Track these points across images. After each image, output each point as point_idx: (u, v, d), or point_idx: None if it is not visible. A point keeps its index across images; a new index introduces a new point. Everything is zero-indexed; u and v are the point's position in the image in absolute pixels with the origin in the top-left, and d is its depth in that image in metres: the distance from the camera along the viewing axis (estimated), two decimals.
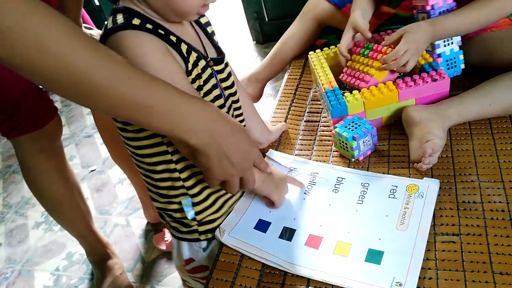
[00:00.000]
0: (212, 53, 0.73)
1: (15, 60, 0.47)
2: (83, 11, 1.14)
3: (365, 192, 0.76)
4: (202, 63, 0.67)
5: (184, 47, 0.64)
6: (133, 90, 0.53)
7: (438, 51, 0.89)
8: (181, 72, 0.63)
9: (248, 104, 0.87)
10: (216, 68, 0.72)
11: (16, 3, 0.45)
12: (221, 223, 0.76)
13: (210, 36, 0.75)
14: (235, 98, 0.77)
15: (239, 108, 0.79)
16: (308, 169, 0.83)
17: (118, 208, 1.79)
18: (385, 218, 0.70)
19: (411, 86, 0.84)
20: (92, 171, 2.06)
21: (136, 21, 0.60)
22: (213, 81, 0.70)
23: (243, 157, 0.63)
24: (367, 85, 0.87)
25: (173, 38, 0.63)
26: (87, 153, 2.21)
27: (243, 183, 0.67)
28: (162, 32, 0.62)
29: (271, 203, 0.76)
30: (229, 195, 0.77)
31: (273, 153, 0.89)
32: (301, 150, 0.91)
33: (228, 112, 0.75)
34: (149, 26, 0.60)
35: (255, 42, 2.77)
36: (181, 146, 0.62)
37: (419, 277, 0.61)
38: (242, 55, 2.66)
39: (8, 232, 1.83)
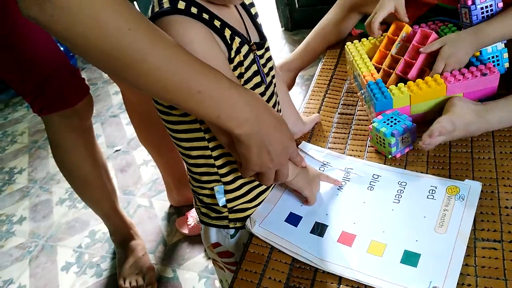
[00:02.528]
0: (254, 37, 0.71)
1: (71, 37, 0.46)
2: None
3: (402, 191, 0.73)
4: (245, 48, 0.66)
5: (227, 33, 0.62)
6: (185, 74, 0.52)
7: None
8: (225, 60, 0.62)
9: (283, 91, 0.86)
10: (258, 53, 0.70)
11: None
12: (251, 213, 0.76)
13: (253, 18, 0.73)
14: (273, 86, 0.76)
15: (276, 96, 0.77)
16: (342, 164, 0.81)
17: (142, 189, 1.81)
18: (423, 219, 0.68)
19: (459, 80, 0.81)
20: (117, 151, 2.07)
21: (181, 5, 0.58)
22: (254, 67, 0.69)
23: (282, 151, 0.63)
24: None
25: (217, 23, 0.61)
26: (112, 132, 2.22)
27: (277, 176, 0.66)
28: (207, 17, 0.60)
29: (304, 200, 0.75)
30: (263, 187, 0.76)
31: (306, 146, 0.87)
32: (334, 143, 0.88)
33: (268, 100, 0.73)
34: (194, 10, 0.59)
35: (283, 28, 2.73)
36: (221, 134, 0.61)
37: (457, 283, 0.59)
38: (270, 42, 2.61)
39: (32, 207, 1.86)
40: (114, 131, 2.23)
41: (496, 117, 0.79)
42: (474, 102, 0.81)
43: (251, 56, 0.68)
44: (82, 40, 0.47)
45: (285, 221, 0.73)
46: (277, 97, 0.77)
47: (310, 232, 0.70)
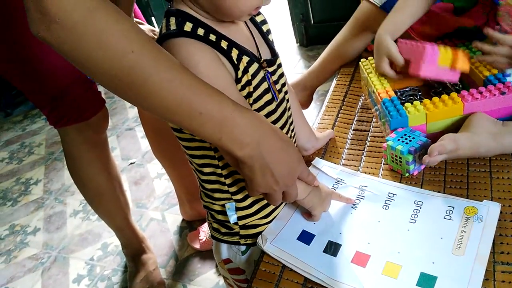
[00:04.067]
0: (266, 54, 0.71)
1: (77, 57, 0.48)
2: (135, 6, 1.15)
3: (418, 211, 0.71)
4: (254, 67, 0.66)
5: (235, 53, 0.63)
6: (187, 96, 0.53)
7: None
8: (231, 81, 0.62)
9: (296, 108, 0.85)
10: (270, 69, 0.70)
11: None
12: (263, 230, 0.74)
13: (265, 35, 0.73)
14: (286, 102, 0.75)
15: (289, 111, 0.77)
16: (356, 182, 0.80)
17: (155, 202, 1.81)
18: (440, 240, 0.66)
19: (477, 98, 0.79)
20: (131, 163, 2.09)
21: (187, 27, 0.59)
22: (265, 85, 0.68)
23: (288, 173, 0.63)
24: (432, 52, 0.81)
25: (224, 44, 0.62)
26: (127, 145, 2.24)
27: (285, 197, 0.66)
28: (214, 38, 0.61)
29: (308, 215, 0.74)
30: (272, 206, 0.75)
31: (319, 162, 0.86)
32: (348, 160, 0.87)
33: (280, 117, 0.72)
34: (200, 31, 0.60)
35: (298, 44, 2.74)
36: (226, 154, 0.61)
37: None
38: (285, 57, 2.63)
39: (46, 218, 1.88)
40: (129, 144, 2.25)
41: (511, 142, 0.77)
42: (494, 121, 0.78)
43: (261, 74, 0.67)
44: (87, 60, 0.48)
45: (297, 239, 0.71)
46: (289, 112, 0.77)
47: (323, 251, 0.68)
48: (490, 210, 0.68)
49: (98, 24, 0.46)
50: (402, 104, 0.83)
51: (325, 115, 1.02)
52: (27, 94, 1.12)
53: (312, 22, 2.60)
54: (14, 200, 2.04)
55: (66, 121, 1.13)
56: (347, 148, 0.90)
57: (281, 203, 0.75)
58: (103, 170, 1.25)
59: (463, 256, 0.63)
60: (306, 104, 1.29)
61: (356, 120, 0.98)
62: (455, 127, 0.81)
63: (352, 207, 0.75)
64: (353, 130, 0.95)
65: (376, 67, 0.93)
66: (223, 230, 0.76)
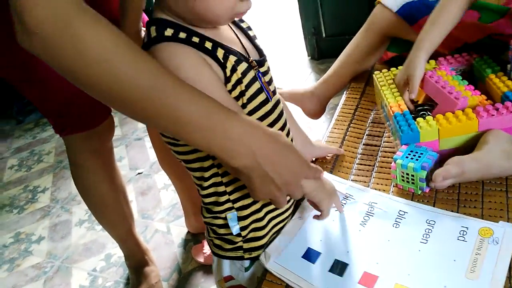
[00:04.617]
0: (253, 55, 0.69)
1: (58, 65, 0.48)
2: (143, 14, 1.14)
3: (430, 231, 0.68)
4: (242, 66, 0.63)
5: (220, 53, 0.60)
6: (172, 104, 0.51)
7: None
8: (218, 82, 0.60)
9: (289, 114, 0.82)
10: (261, 69, 0.68)
11: (61, 8, 0.45)
12: (267, 242, 0.72)
13: (252, 39, 0.71)
14: (281, 104, 0.72)
15: (284, 114, 0.74)
16: (365, 198, 0.76)
17: (161, 213, 1.78)
18: (453, 263, 0.62)
19: (493, 115, 0.75)
20: (139, 173, 2.07)
21: (168, 32, 0.57)
22: (257, 85, 0.65)
23: (291, 178, 0.60)
24: (459, 106, 0.79)
25: (208, 45, 0.59)
26: (136, 155, 2.23)
27: (290, 195, 0.63)
28: (197, 40, 0.59)
29: (317, 216, 0.71)
30: (277, 212, 0.73)
31: (328, 177, 0.83)
32: (358, 175, 0.84)
33: (277, 119, 0.70)
34: (182, 35, 0.58)
35: (310, 57, 2.72)
36: (223, 162, 0.59)
37: None
38: (296, 70, 2.61)
39: (52, 227, 1.86)
40: (138, 153, 2.24)
41: None
42: (510, 139, 0.75)
43: (251, 73, 0.65)
44: (69, 69, 0.47)
45: (302, 257, 0.68)
46: (285, 116, 0.74)
47: (329, 271, 0.65)
48: (507, 232, 0.65)
49: (74, 34, 0.46)
50: (415, 119, 0.80)
51: (335, 128, 1.00)
52: (34, 101, 1.11)
53: (324, 35, 2.58)
54: (21, 208, 2.03)
55: (72, 129, 1.12)
56: (357, 163, 0.87)
57: (287, 210, 0.75)
58: (107, 180, 1.23)
59: (477, 280, 0.59)
60: (317, 114, 1.24)
61: (366, 135, 0.95)
62: (470, 145, 0.77)
63: (360, 224, 0.72)
64: (364, 144, 0.92)
65: (397, 79, 0.91)
66: (227, 246, 0.73)
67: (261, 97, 0.66)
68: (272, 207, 0.71)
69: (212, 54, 0.60)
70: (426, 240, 0.67)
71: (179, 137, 0.56)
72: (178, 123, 0.52)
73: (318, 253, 0.68)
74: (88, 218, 1.85)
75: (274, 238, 0.73)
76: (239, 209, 0.69)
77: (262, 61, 0.69)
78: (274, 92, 0.70)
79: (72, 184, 2.06)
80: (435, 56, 0.90)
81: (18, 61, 0.97)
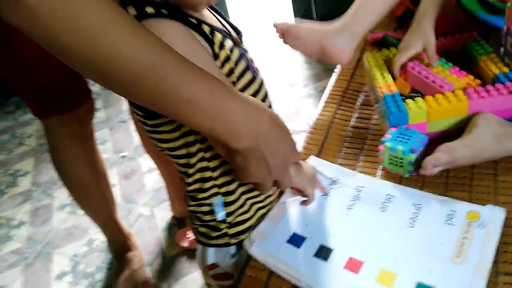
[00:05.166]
0: (232, 33, 0.67)
1: (48, 40, 0.43)
2: None
3: (417, 215, 0.66)
4: (228, 42, 0.61)
5: (206, 28, 0.58)
6: (173, 82, 0.47)
7: None
8: (209, 58, 0.57)
9: None
10: (244, 47, 0.66)
11: None
12: (251, 225, 0.71)
13: (225, 18, 0.68)
14: (264, 83, 0.70)
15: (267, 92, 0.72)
16: (353, 182, 0.75)
17: (145, 197, 1.76)
18: (439, 247, 0.61)
19: (483, 97, 0.74)
20: (123, 157, 2.03)
21: (149, 9, 0.54)
22: (243, 63, 0.63)
23: (282, 162, 0.58)
24: (443, 90, 0.77)
25: (193, 21, 0.57)
26: (120, 138, 2.19)
27: (278, 184, 0.61)
28: (180, 16, 0.55)
29: (304, 202, 0.71)
30: (260, 197, 0.71)
31: (314, 160, 0.81)
32: (345, 159, 0.82)
33: (265, 98, 0.68)
34: (164, 12, 0.54)
35: None
36: (217, 145, 0.56)
37: None
38: (286, 51, 2.58)
39: (33, 211, 1.83)
40: (122, 136, 2.20)
41: None
42: (500, 122, 0.73)
43: (237, 51, 0.62)
44: (60, 45, 0.43)
45: (287, 242, 0.66)
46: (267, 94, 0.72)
47: (314, 256, 0.63)
48: (494, 216, 0.64)
49: (69, 6, 0.42)
50: (404, 100, 0.78)
51: (324, 111, 0.97)
52: (11, 83, 1.07)
53: (315, 17, 2.55)
54: (1, 192, 1.99)
55: (50, 111, 1.08)
56: (345, 147, 0.85)
57: (270, 195, 0.73)
58: (88, 164, 1.20)
59: (463, 265, 0.58)
60: (348, 52, 0.89)
61: (355, 117, 0.93)
62: (459, 127, 0.75)
63: (347, 208, 0.70)
64: (352, 127, 0.90)
65: (403, 47, 0.84)
66: (213, 233, 0.71)
67: (248, 75, 0.64)
68: (256, 193, 0.70)
69: (198, 29, 0.57)
70: (413, 225, 0.65)
71: (178, 118, 0.53)
72: (179, 103, 0.49)
73: (303, 238, 0.66)
74: (70, 203, 1.82)
75: (259, 220, 0.72)
76: (225, 194, 0.67)
77: (241, 38, 0.67)
78: (258, 71, 0.68)
79: None
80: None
81: None
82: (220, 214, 0.68)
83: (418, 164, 0.72)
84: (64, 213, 1.78)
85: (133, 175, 1.90)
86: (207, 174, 0.66)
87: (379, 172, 0.77)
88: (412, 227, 0.65)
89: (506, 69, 0.79)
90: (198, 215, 0.70)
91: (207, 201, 0.68)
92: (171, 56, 0.48)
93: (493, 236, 0.61)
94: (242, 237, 0.71)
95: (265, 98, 0.68)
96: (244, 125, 0.52)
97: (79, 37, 0.43)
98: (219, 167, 0.65)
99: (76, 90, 1.11)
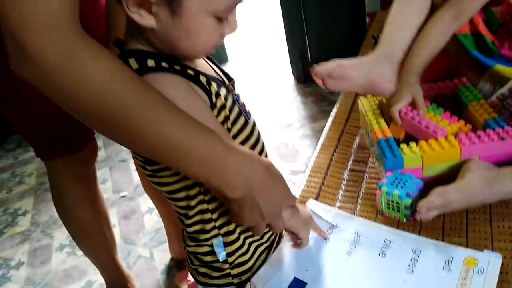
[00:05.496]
0: (225, 80, 0.70)
1: (57, 96, 0.47)
2: None
3: (416, 260, 0.68)
4: (223, 91, 0.64)
5: (203, 79, 0.61)
6: (173, 136, 0.51)
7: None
8: (208, 109, 0.61)
9: None
10: (236, 92, 0.69)
11: (65, 40, 0.45)
12: (251, 266, 0.72)
13: (217, 64, 0.71)
14: (256, 126, 0.73)
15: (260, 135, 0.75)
16: (352, 227, 0.76)
17: (144, 238, 1.75)
18: None
19: (475, 143, 0.76)
20: (122, 197, 2.04)
21: (150, 63, 0.56)
22: (236, 109, 0.66)
23: (275, 208, 0.62)
24: (436, 135, 0.80)
25: (191, 72, 0.60)
26: (119, 178, 2.20)
27: (271, 227, 0.65)
28: (178, 68, 0.58)
29: (297, 245, 0.72)
30: (258, 237, 0.73)
31: (313, 204, 0.83)
32: (344, 202, 0.84)
33: (257, 142, 0.70)
34: (164, 64, 0.57)
35: (296, 80, 2.76)
36: (214, 191, 0.59)
37: None
38: (283, 93, 2.64)
39: (32, 251, 1.82)
40: (122, 176, 2.21)
41: (509, 187, 0.73)
42: (489, 167, 0.76)
43: (230, 98, 0.66)
44: (69, 100, 0.47)
45: (288, 287, 0.67)
46: (261, 137, 0.74)
47: None
48: (491, 262, 0.65)
49: (77, 65, 0.45)
50: (399, 145, 0.80)
51: (321, 153, 1.00)
52: (15, 125, 1.09)
53: (309, 59, 2.62)
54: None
55: (54, 154, 1.10)
56: (343, 190, 0.87)
57: (266, 236, 0.75)
58: (89, 205, 1.21)
59: None
60: (393, 81, 0.89)
61: (352, 160, 0.95)
62: (453, 172, 0.78)
63: (347, 254, 0.71)
64: (349, 170, 0.92)
65: (393, 108, 0.86)
66: (214, 273, 0.72)
67: (241, 120, 0.67)
68: (250, 233, 0.72)
69: (196, 80, 0.60)
70: (412, 270, 0.66)
71: (176, 168, 0.56)
72: (178, 155, 0.52)
73: (305, 283, 0.67)
74: (69, 243, 1.81)
75: (260, 260, 0.73)
76: (225, 234, 0.69)
77: (233, 84, 0.70)
78: (250, 114, 0.71)
79: (54, 208, 2.04)
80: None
81: (1, 85, 0.96)
82: (222, 255, 0.70)
83: (414, 208, 0.74)
84: (63, 253, 1.77)
85: (133, 215, 1.91)
86: (207, 216, 0.67)
87: (377, 216, 0.79)
88: (411, 273, 0.66)
89: (495, 115, 0.82)
90: (198, 255, 0.72)
91: (208, 242, 0.69)
92: (171, 111, 0.52)
93: (491, 282, 0.62)
94: (245, 277, 0.72)
95: (257, 140, 0.71)
96: (238, 177, 0.55)
97: (87, 94, 0.46)
98: (218, 209, 0.67)
99: (80, 133, 1.13)
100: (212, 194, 0.64)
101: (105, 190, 2.05)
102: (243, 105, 0.70)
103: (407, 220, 0.75)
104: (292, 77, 2.76)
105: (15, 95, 1.01)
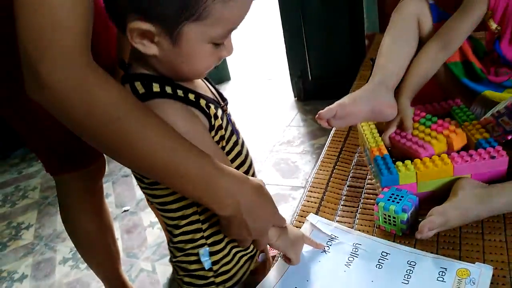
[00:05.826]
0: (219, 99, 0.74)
1: (66, 120, 0.52)
2: None
3: (411, 272, 0.71)
4: (219, 112, 0.69)
5: (203, 103, 0.65)
6: (172, 159, 0.56)
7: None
8: (207, 133, 0.66)
9: None
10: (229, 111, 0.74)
11: (76, 70, 0.50)
12: (234, 273, 0.75)
13: (212, 84, 0.76)
14: (245, 143, 0.78)
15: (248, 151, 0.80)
16: (350, 239, 0.80)
17: (146, 252, 1.78)
18: None
19: (467, 161, 0.81)
20: (125, 211, 2.07)
21: (156, 87, 0.61)
22: (230, 127, 0.72)
23: (262, 226, 0.67)
24: (426, 153, 0.85)
25: (192, 97, 0.64)
26: (122, 192, 2.23)
27: (255, 244, 0.69)
28: (181, 93, 0.63)
29: (287, 260, 0.75)
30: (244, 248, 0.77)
31: (313, 218, 0.86)
32: (343, 217, 0.87)
33: (245, 159, 0.75)
34: (168, 89, 0.62)
35: (296, 98, 2.81)
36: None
37: None
38: (283, 111, 2.68)
39: (35, 265, 1.83)
40: (125, 191, 2.24)
41: (500, 203, 0.77)
42: (481, 185, 0.80)
43: (225, 117, 0.70)
44: (77, 125, 0.52)
45: None
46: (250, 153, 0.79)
47: None
48: (482, 273, 0.68)
49: (86, 95, 0.50)
50: (394, 162, 0.85)
51: (320, 170, 1.04)
52: (28, 140, 1.12)
53: (310, 78, 2.68)
54: (3, 245, 2.00)
55: (64, 169, 1.13)
56: (342, 205, 0.91)
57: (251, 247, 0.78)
58: (96, 219, 1.24)
59: None
60: (394, 107, 0.94)
61: (350, 177, 0.99)
62: (446, 188, 0.82)
63: (345, 265, 0.75)
64: (348, 186, 0.96)
65: (386, 132, 0.94)
66: (198, 282, 0.75)
67: (233, 138, 0.72)
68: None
69: (197, 105, 0.64)
70: (408, 281, 0.70)
71: (172, 187, 0.62)
72: (173, 177, 0.58)
73: None
74: (72, 256, 1.83)
75: (243, 268, 0.77)
76: (211, 244, 0.72)
77: (227, 104, 0.74)
78: (239, 132, 0.76)
79: (57, 221, 2.06)
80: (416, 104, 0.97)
81: (14, 97, 0.99)
82: (207, 263, 0.73)
83: (410, 223, 0.78)
84: (66, 267, 1.79)
85: (135, 229, 1.93)
86: (197, 226, 0.71)
87: (375, 230, 0.82)
88: (407, 283, 0.69)
89: (487, 135, 0.86)
90: (183, 265, 0.75)
91: (194, 251, 0.73)
92: (172, 137, 0.57)
93: None
94: (228, 284, 0.75)
95: (247, 155, 0.76)
96: (229, 197, 0.61)
97: (93, 120, 0.51)
98: (208, 220, 0.71)
99: (89, 148, 1.15)
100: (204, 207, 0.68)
101: (108, 204, 2.05)
102: (234, 123, 0.75)
103: (403, 233, 0.79)
104: (292, 95, 2.82)
105: (29, 112, 1.04)
